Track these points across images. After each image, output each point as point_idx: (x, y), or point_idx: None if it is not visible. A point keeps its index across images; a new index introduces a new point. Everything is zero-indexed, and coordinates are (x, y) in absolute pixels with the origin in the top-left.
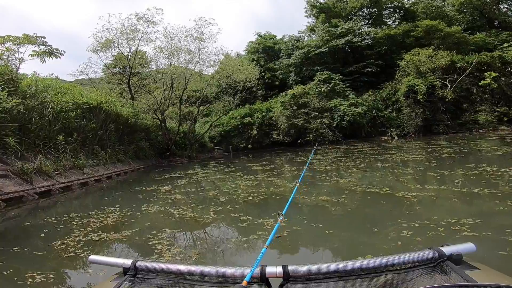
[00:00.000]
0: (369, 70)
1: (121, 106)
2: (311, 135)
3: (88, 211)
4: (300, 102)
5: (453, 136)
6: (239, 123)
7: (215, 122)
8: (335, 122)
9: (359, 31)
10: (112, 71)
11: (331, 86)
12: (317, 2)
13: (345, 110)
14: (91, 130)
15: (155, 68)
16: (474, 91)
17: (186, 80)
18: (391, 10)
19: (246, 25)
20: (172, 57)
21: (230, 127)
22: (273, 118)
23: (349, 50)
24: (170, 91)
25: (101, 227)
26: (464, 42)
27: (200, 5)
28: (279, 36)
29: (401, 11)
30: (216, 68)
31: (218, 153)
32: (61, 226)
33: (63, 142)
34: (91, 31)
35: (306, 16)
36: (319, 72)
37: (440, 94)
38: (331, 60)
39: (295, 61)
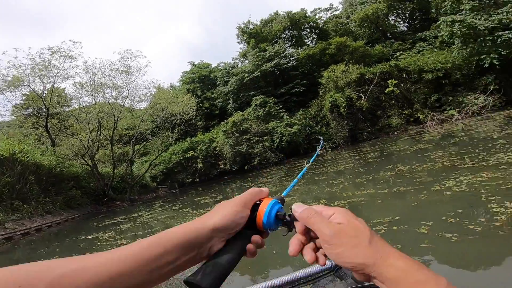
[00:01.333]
0: (297, 90)
1: (41, 155)
2: (256, 160)
3: None
4: (241, 129)
5: (375, 141)
6: (181, 158)
7: (154, 160)
8: (275, 144)
9: (284, 53)
10: (24, 113)
11: (266, 109)
12: (246, 28)
13: (282, 131)
14: (6, 185)
15: (77, 107)
16: (383, 98)
17: (116, 118)
18: (308, 30)
19: (180, 54)
20: (96, 94)
21: (172, 163)
22: (217, 148)
23: (278, 72)
24: (98, 132)
25: None
26: (368, 55)
27: (130, 36)
28: (214, 64)
29: (317, 31)
30: (149, 103)
31: (163, 191)
32: None
33: None
34: None
35: (238, 42)
36: (255, 97)
37: (358, 105)
38: (264, 83)
39: (231, 88)
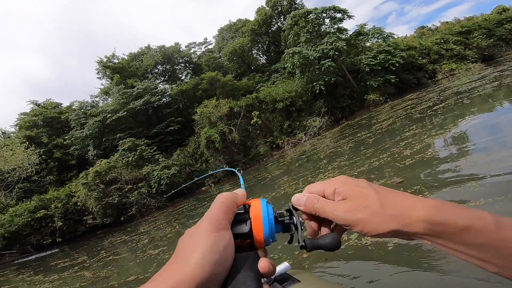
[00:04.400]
0: (172, 128)
1: None
2: (133, 209)
3: None
4: (107, 179)
5: (250, 170)
6: (29, 219)
7: None
8: (154, 189)
9: (155, 90)
10: None
11: (138, 153)
12: (110, 62)
13: (159, 174)
14: None
15: None
16: (250, 129)
17: None
18: (183, 65)
19: (16, 91)
20: None
21: (16, 226)
22: (78, 203)
23: (151, 110)
24: None
25: None
26: (236, 88)
27: None
28: (66, 103)
29: (191, 65)
30: None
31: (11, 257)
32: None
33: None
34: None
35: (99, 78)
36: (122, 140)
37: (230, 138)
38: (135, 124)
39: (90, 131)
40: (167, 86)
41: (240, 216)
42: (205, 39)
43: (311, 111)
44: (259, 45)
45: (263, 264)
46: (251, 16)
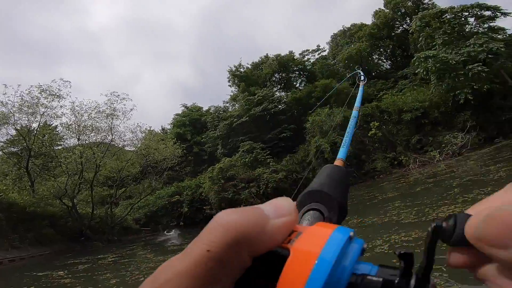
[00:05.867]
0: (285, 135)
1: (18, 194)
2: (242, 206)
3: None
4: (227, 175)
5: (360, 186)
6: (166, 202)
7: (137, 204)
8: (261, 190)
9: (272, 97)
10: (8, 150)
11: (253, 155)
12: (237, 71)
13: (267, 178)
14: None
15: (61, 148)
16: (367, 142)
17: (97, 164)
18: (297, 73)
19: (173, 94)
20: (81, 137)
21: (157, 207)
22: (203, 193)
23: (268, 116)
24: (80, 176)
25: None
26: (353, 97)
27: (122, 75)
28: (205, 107)
29: (305, 73)
30: (136, 147)
31: (145, 234)
32: None
33: None
34: None
35: (229, 85)
36: (242, 143)
37: None
38: (255, 128)
39: (220, 133)
40: (283, 93)
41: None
42: (318, 46)
43: (451, 125)
44: (381, 49)
45: None
46: (367, 20)
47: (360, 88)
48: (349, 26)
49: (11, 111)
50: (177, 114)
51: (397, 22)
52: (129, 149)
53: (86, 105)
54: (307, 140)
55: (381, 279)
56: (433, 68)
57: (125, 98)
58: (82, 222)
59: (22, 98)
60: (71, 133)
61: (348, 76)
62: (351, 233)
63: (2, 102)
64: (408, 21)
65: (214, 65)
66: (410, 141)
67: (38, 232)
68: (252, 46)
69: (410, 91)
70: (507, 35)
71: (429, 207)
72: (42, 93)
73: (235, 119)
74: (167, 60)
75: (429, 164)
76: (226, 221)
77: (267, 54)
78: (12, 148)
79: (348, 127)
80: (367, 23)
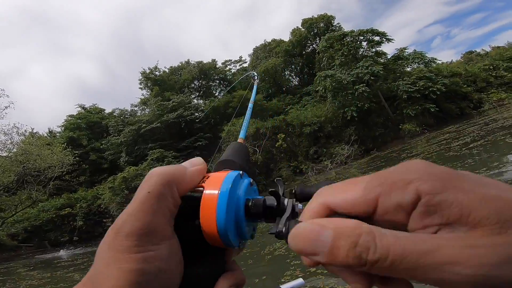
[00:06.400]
0: (200, 143)
1: None
2: None
3: None
4: (132, 185)
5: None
6: (54, 215)
7: (10, 218)
8: None
9: (189, 104)
10: None
11: (164, 164)
12: (152, 74)
13: None
14: None
15: None
16: (274, 152)
17: None
18: (217, 82)
19: (68, 94)
20: None
21: (41, 221)
22: (102, 205)
23: (184, 124)
24: None
25: None
26: (265, 109)
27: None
28: (108, 110)
29: (225, 82)
30: (14, 151)
31: (26, 250)
32: None
33: None
34: None
35: (140, 88)
36: (152, 151)
37: (254, 159)
38: (167, 135)
39: (125, 138)
40: (201, 101)
41: (188, 205)
42: (240, 57)
43: (340, 138)
44: (293, 66)
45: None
46: (286, 37)
47: (255, 86)
48: (270, 41)
49: None
50: (70, 116)
51: (309, 41)
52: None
53: None
54: (222, 149)
55: (263, 197)
56: (330, 87)
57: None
58: None
59: None
60: None
61: (245, 75)
62: (241, 172)
63: None
64: (318, 41)
65: (125, 66)
66: (309, 151)
67: None
68: (173, 51)
69: (311, 107)
70: (387, 59)
71: None
72: None
73: (144, 125)
74: (64, 56)
75: (323, 171)
76: (160, 170)
77: (188, 59)
78: None
79: (246, 115)
80: (285, 40)
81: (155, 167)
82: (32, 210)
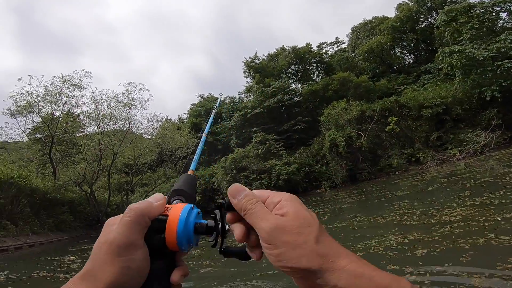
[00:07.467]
0: (299, 127)
1: (41, 179)
2: None
3: None
4: (240, 166)
5: (375, 182)
6: None
7: (152, 191)
8: (273, 182)
9: (287, 89)
10: (32, 138)
11: (266, 147)
12: (253, 62)
13: (279, 170)
14: None
15: (82, 136)
16: (384, 137)
17: (114, 151)
18: (314, 65)
19: (189, 85)
20: (101, 125)
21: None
22: (215, 183)
23: (283, 108)
24: (98, 163)
25: None
26: (372, 90)
27: (139, 66)
28: (221, 98)
29: (323, 65)
30: (155, 134)
31: None
32: None
33: None
34: (8, 93)
35: (245, 76)
36: (255, 134)
37: (357, 144)
38: (268, 119)
39: (235, 123)
40: (299, 86)
41: (156, 225)
42: (337, 38)
43: (475, 123)
44: (404, 43)
45: (175, 277)
46: (389, 13)
47: (211, 115)
48: (370, 19)
49: (36, 100)
50: (193, 104)
51: (422, 16)
52: (146, 137)
53: (105, 94)
54: (322, 133)
55: (206, 221)
56: (459, 64)
57: (142, 89)
58: (99, 209)
59: (46, 88)
60: (91, 121)
61: (219, 99)
62: (192, 206)
63: (28, 91)
64: (434, 15)
65: (230, 57)
66: (430, 137)
67: (57, 218)
68: (268, 38)
69: (432, 87)
70: None
71: (435, 209)
72: (65, 83)
73: (249, 110)
74: (183, 52)
75: (448, 162)
76: (136, 206)
77: (283, 45)
78: (37, 135)
79: (198, 148)
80: (389, 16)
81: (259, 149)
82: (166, 185)
